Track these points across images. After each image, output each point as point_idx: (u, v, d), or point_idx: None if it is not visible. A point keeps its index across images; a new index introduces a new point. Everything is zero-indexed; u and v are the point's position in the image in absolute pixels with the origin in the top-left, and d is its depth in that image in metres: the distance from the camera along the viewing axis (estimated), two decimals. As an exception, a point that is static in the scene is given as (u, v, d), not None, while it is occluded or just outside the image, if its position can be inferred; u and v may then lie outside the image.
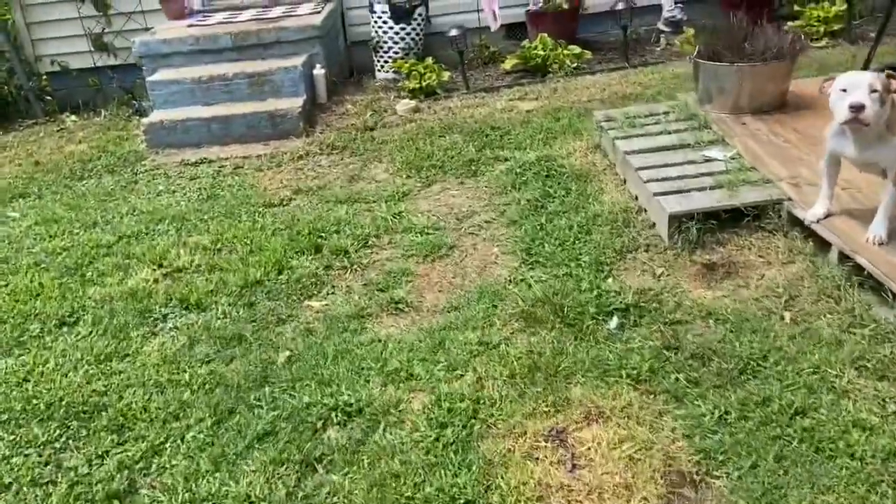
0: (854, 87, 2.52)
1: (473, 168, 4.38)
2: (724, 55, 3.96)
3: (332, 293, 3.29)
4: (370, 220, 3.89)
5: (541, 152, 4.35)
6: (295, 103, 5.31)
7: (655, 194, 3.31)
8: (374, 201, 4.13)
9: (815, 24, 5.92)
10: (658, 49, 6.20)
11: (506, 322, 2.88)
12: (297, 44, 5.68)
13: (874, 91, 2.49)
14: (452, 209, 3.95)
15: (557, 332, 2.74)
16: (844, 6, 5.92)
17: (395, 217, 3.90)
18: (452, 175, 4.34)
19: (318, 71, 5.63)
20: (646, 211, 3.47)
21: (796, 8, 6.13)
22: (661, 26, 6.42)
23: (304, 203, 4.22)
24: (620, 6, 5.72)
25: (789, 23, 5.96)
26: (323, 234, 3.77)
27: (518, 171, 4.18)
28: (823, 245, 2.90)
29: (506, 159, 4.41)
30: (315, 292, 3.31)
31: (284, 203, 4.26)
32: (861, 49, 5.56)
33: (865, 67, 4.25)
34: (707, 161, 3.54)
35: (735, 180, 3.30)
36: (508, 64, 5.88)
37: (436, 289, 3.24)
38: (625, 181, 3.80)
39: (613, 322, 2.76)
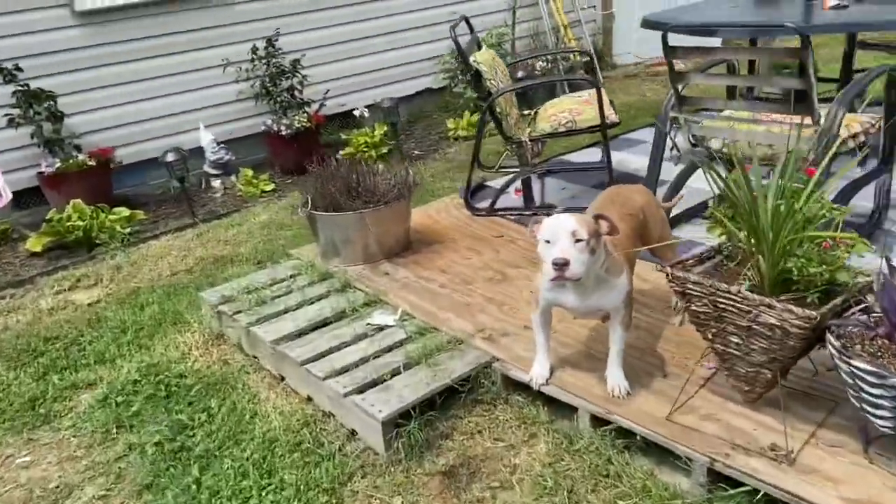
0: (556, 237, 2.15)
1: (42, 411, 2.94)
2: (341, 203, 3.44)
3: None
4: None
5: (141, 361, 3.15)
6: None
7: (347, 394, 2.52)
8: None
9: (365, 149, 5.94)
10: (218, 196, 5.45)
11: None
12: None
13: (579, 240, 2.16)
14: (33, 491, 2.50)
15: None
16: (385, 128, 6.09)
17: (-74, 547, 2.28)
18: (10, 432, 2.83)
19: None
20: (333, 415, 2.65)
21: (343, 136, 6.11)
22: (208, 169, 5.72)
23: None
24: (171, 157, 4.80)
25: (341, 151, 5.90)
26: None
27: (118, 399, 2.92)
28: (558, 407, 2.51)
29: (90, 384, 3.07)
30: None
31: None
32: (418, 166, 5.73)
33: (468, 188, 4.24)
34: (380, 330, 2.92)
35: (427, 349, 2.73)
36: (37, 244, 4.39)
37: None
38: (282, 378, 2.92)
39: None
